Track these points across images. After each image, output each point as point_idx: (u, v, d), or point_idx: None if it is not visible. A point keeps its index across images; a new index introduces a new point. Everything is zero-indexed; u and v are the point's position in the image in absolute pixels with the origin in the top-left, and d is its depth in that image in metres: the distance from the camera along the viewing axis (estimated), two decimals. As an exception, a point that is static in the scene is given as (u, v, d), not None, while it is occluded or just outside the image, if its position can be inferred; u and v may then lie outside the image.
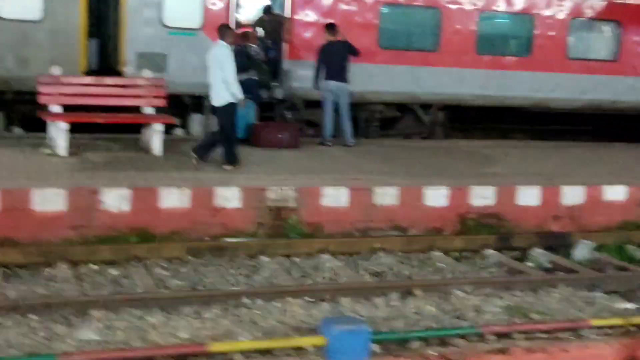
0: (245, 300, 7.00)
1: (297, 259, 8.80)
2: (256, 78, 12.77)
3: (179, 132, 14.20)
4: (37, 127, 11.85)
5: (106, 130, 12.31)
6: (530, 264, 9.36)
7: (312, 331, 6.21)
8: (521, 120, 17.35)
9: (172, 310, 6.70)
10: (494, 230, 10.25)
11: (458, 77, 15.39)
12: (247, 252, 8.75)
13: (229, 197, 9.37)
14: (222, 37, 10.73)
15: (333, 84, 13.10)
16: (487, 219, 10.46)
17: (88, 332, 6.12)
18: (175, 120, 11.21)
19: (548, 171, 12.06)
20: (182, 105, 14.08)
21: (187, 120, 14.18)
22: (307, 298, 7.19)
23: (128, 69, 13.16)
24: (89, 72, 13.36)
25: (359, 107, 14.80)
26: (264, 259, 8.63)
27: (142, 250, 8.40)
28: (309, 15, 14.39)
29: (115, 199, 8.92)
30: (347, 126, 13.34)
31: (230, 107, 10.59)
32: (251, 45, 13.10)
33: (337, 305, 7.10)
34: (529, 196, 10.67)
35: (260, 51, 12.90)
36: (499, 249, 9.69)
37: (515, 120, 17.30)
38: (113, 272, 8.01)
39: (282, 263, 8.65)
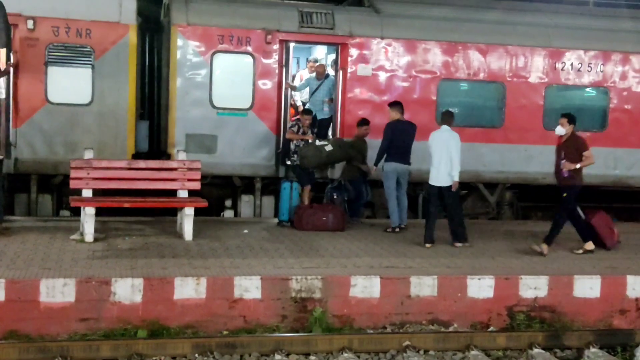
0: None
1: (313, 358, 8.04)
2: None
3: (228, 213, 13.84)
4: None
5: (154, 213, 12.03)
6: (583, 367, 8.29)
7: None
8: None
9: None
10: (545, 326, 9.21)
11: (525, 154, 14.44)
12: (260, 349, 8.06)
13: (248, 287, 8.77)
14: (446, 123, 11.51)
15: (399, 166, 12.35)
16: (539, 313, 9.45)
17: None
18: (206, 204, 10.71)
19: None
20: (232, 186, 13.78)
21: (238, 201, 13.81)
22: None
23: (177, 150, 12.91)
24: (138, 155, 13.25)
25: (417, 186, 14.04)
26: (278, 357, 7.91)
27: (146, 347, 7.83)
28: (362, 93, 13.88)
29: (127, 290, 8.48)
30: (404, 208, 12.59)
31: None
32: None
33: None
34: (587, 287, 9.60)
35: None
36: (549, 348, 8.65)
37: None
38: (110, 371, 7.50)
39: (295, 363, 7.92)
